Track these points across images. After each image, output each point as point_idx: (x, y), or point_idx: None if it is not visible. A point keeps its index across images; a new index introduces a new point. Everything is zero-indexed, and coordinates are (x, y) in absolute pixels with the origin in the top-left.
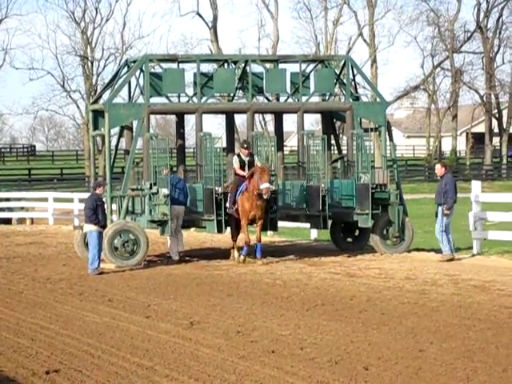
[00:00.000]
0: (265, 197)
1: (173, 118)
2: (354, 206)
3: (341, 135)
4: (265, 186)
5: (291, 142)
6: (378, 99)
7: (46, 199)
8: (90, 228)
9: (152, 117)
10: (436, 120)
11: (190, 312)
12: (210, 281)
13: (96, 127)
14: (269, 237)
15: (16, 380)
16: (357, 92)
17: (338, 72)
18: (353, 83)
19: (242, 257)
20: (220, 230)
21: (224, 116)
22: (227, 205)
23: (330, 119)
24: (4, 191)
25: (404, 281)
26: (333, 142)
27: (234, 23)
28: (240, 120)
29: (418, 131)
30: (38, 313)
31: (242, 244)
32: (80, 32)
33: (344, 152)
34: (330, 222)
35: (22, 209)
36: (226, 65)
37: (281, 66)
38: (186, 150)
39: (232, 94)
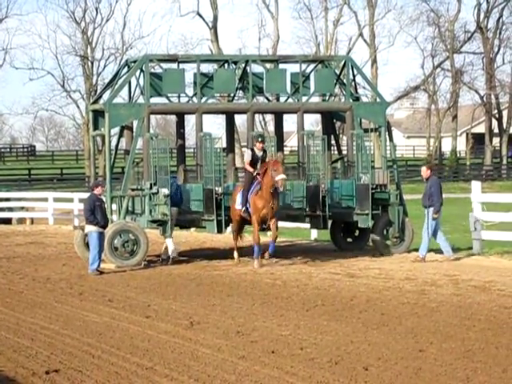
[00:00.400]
0: (280, 189)
1: (173, 118)
2: (353, 207)
3: (341, 135)
4: (281, 177)
5: (291, 142)
6: (378, 99)
7: (45, 199)
8: (90, 229)
9: (152, 117)
10: (436, 120)
11: (190, 312)
12: (209, 281)
13: (96, 127)
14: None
15: (16, 380)
16: (357, 92)
17: (338, 72)
18: (353, 83)
19: (257, 260)
20: (220, 230)
21: (224, 116)
22: (237, 206)
23: (330, 119)
24: (4, 191)
25: (404, 281)
26: (333, 142)
27: (234, 23)
28: (240, 120)
29: (418, 131)
30: (37, 313)
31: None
32: (80, 32)
33: (344, 152)
34: (330, 222)
35: (22, 209)
36: (226, 65)
37: (281, 66)
38: (186, 150)
39: (232, 94)
